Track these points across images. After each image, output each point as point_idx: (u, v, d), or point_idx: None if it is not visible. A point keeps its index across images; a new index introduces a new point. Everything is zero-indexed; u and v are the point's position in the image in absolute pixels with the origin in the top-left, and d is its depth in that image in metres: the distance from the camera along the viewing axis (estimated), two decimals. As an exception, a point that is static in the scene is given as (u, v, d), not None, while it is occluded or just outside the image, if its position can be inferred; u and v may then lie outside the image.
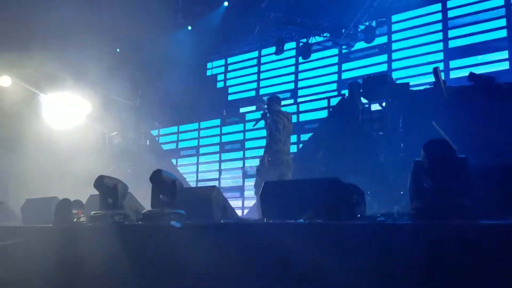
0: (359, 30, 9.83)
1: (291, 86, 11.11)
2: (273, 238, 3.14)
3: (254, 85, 11.77)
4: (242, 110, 11.69)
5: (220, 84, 12.50)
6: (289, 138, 6.87)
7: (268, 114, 6.72)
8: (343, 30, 9.90)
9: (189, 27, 11.46)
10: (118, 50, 11.78)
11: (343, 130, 7.53)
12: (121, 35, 10.86)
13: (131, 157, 10.09)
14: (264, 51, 11.55)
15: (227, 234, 3.42)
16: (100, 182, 4.31)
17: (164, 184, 3.93)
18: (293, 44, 11.00)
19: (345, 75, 10.29)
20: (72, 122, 10.10)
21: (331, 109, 8.93)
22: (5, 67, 9.77)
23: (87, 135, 10.21)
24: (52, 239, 4.13)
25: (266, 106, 6.88)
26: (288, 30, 10.26)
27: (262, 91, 11.45)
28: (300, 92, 10.94)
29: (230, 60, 12.32)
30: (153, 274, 3.58)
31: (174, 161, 12.59)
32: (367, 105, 7.37)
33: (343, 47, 10.25)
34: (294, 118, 8.50)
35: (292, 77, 11.13)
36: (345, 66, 10.36)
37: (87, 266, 3.81)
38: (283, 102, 7.61)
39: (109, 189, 4.32)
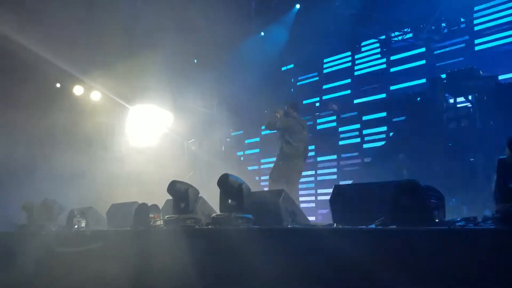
0: (442, 24, 9.15)
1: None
2: (344, 244, 2.97)
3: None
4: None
5: (294, 88, 12.40)
6: (301, 144, 7.02)
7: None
8: (425, 24, 9.28)
9: (262, 33, 11.55)
10: (195, 61, 12.23)
11: (425, 129, 7.03)
12: (198, 47, 11.27)
13: (206, 164, 10.38)
14: (340, 51, 11.22)
15: (296, 240, 3.31)
16: (173, 187, 4.44)
17: (231, 188, 3.93)
18: (371, 42, 10.56)
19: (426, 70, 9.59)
20: (154, 131, 10.67)
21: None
22: (96, 83, 10.64)
23: (167, 143, 10.72)
24: (131, 241, 4.33)
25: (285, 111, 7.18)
26: (365, 28, 9.86)
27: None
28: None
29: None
30: (220, 277, 3.58)
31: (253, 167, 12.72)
32: (451, 102, 6.79)
33: (424, 42, 9.60)
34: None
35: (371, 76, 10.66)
36: (427, 61, 9.66)
37: (161, 267, 3.93)
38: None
39: (181, 194, 4.43)
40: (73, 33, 9.51)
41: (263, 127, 7.36)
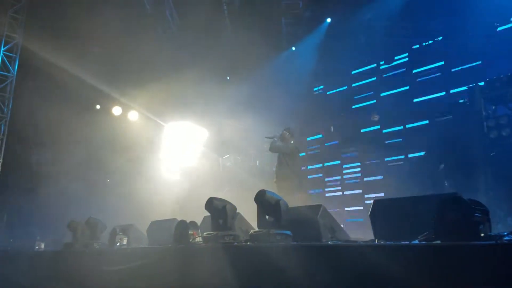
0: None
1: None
2: (386, 260, 2.91)
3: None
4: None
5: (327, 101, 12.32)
6: (295, 165, 7.58)
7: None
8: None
9: (293, 48, 11.62)
10: (228, 78, 12.44)
11: (466, 139, 6.81)
12: (230, 64, 11.47)
13: (241, 179, 10.44)
14: (373, 63, 11.09)
15: (336, 256, 3.27)
16: (210, 204, 4.49)
17: (268, 204, 3.94)
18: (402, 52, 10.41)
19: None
20: (190, 148, 10.86)
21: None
22: (133, 103, 11.00)
23: (202, 159, 10.88)
24: (172, 258, 4.40)
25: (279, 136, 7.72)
26: (397, 38, 9.75)
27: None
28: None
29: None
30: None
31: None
32: (491, 110, 6.56)
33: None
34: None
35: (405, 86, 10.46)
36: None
37: (202, 284, 3.96)
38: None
39: (218, 211, 4.48)
40: (111, 57, 9.93)
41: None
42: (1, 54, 10.10)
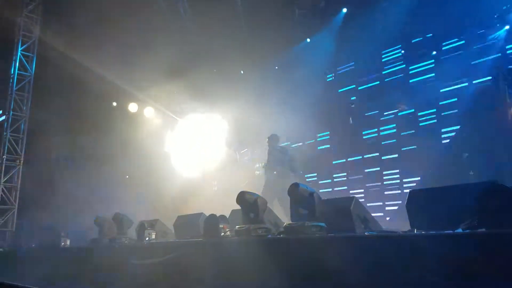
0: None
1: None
2: (426, 250, 2.90)
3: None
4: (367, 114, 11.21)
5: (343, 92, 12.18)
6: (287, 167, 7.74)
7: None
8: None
9: (308, 40, 11.54)
10: (242, 72, 12.41)
11: (489, 126, 6.74)
12: (244, 58, 11.44)
13: (260, 173, 10.45)
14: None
15: (373, 247, 3.27)
16: (242, 198, 4.52)
17: (302, 197, 3.94)
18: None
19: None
20: (208, 142, 10.90)
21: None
22: (150, 99, 11.05)
23: (221, 154, 10.91)
24: (204, 252, 4.43)
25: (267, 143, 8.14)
26: (415, 25, 9.61)
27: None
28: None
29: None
30: (298, 285, 3.58)
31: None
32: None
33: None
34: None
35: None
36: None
37: (237, 277, 3.99)
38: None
39: (250, 204, 4.50)
40: (127, 55, 9.98)
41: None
42: (19, 54, 10.18)
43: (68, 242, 7.42)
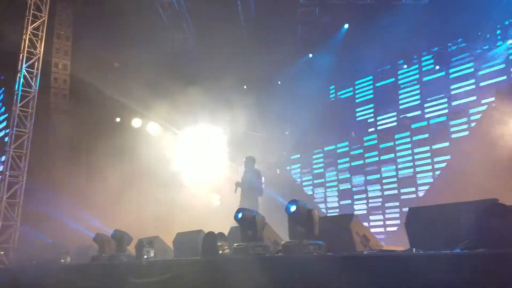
0: (497, 31, 8.83)
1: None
2: (425, 270, 2.83)
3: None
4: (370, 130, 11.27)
5: (346, 106, 12.21)
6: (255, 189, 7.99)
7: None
8: (479, 33, 8.98)
9: (310, 55, 11.59)
10: (245, 87, 12.46)
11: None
12: (247, 74, 11.49)
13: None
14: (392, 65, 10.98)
15: (372, 266, 3.20)
16: (239, 214, 4.45)
17: (300, 214, 3.88)
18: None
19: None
20: (206, 155, 10.87)
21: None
22: (153, 114, 11.09)
23: (221, 168, 10.88)
24: (201, 271, 4.37)
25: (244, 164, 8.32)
26: (417, 41, 9.67)
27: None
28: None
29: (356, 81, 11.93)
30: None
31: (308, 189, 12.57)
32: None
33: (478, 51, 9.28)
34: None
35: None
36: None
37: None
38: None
39: (248, 221, 4.43)
40: (130, 72, 10.08)
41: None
42: (23, 70, 10.28)
43: (68, 259, 7.37)
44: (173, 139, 11.46)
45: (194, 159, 11.19)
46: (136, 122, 11.43)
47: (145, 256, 5.52)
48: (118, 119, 11.56)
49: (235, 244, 4.43)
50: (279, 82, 12.52)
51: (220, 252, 4.61)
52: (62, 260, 7.30)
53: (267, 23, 10.94)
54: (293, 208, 3.88)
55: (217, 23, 10.34)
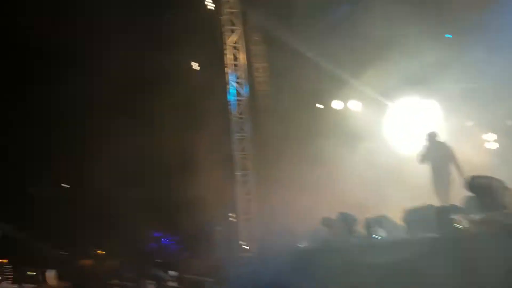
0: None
1: None
2: None
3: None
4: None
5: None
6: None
7: None
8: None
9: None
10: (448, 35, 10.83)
11: None
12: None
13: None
14: None
15: None
16: (473, 183, 3.91)
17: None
18: None
19: None
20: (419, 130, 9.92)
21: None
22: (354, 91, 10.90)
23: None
24: (440, 250, 3.99)
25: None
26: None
27: None
28: None
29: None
30: None
31: None
32: None
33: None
34: None
35: None
36: None
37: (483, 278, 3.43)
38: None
39: (484, 189, 3.86)
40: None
41: None
42: (231, 82, 11.56)
43: (304, 244, 7.72)
44: (379, 114, 10.90)
45: (403, 131, 10.44)
46: (336, 104, 11.42)
47: (375, 236, 5.41)
48: (321, 105, 11.79)
49: (475, 216, 3.88)
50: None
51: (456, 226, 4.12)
52: (299, 245, 7.73)
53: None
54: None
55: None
